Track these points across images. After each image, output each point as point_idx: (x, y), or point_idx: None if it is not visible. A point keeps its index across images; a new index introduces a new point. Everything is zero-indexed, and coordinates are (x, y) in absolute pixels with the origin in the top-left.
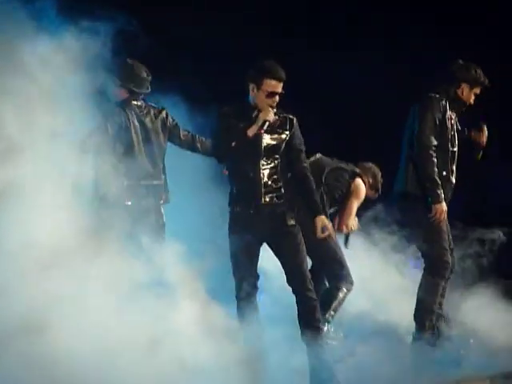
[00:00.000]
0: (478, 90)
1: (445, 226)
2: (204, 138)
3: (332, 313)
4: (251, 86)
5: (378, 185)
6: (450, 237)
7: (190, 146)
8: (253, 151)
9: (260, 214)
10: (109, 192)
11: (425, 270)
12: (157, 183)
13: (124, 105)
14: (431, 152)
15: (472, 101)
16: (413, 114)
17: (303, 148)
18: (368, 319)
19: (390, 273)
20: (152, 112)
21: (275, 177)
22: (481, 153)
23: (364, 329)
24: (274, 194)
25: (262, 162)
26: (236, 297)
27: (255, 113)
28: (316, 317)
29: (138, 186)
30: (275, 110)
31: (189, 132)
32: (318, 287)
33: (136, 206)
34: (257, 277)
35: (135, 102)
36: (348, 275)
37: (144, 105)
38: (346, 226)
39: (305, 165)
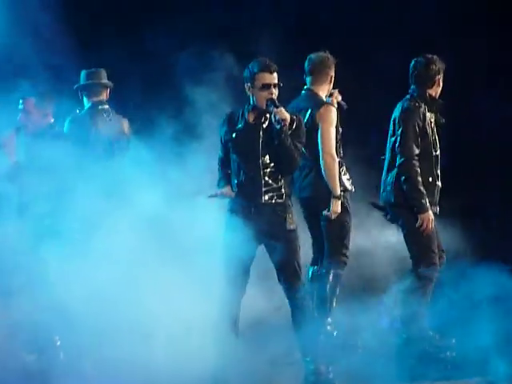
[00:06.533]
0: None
1: (433, 230)
2: None
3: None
4: (246, 86)
5: None
6: (440, 239)
7: None
8: (252, 149)
9: (260, 214)
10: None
11: (412, 272)
12: None
13: (90, 110)
14: (414, 162)
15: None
16: (393, 123)
17: (300, 146)
18: None
19: None
20: (115, 117)
21: (276, 176)
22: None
23: None
24: (275, 193)
25: (262, 160)
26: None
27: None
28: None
29: None
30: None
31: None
32: None
33: None
34: (248, 276)
35: (101, 107)
36: None
37: (109, 110)
38: None
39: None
